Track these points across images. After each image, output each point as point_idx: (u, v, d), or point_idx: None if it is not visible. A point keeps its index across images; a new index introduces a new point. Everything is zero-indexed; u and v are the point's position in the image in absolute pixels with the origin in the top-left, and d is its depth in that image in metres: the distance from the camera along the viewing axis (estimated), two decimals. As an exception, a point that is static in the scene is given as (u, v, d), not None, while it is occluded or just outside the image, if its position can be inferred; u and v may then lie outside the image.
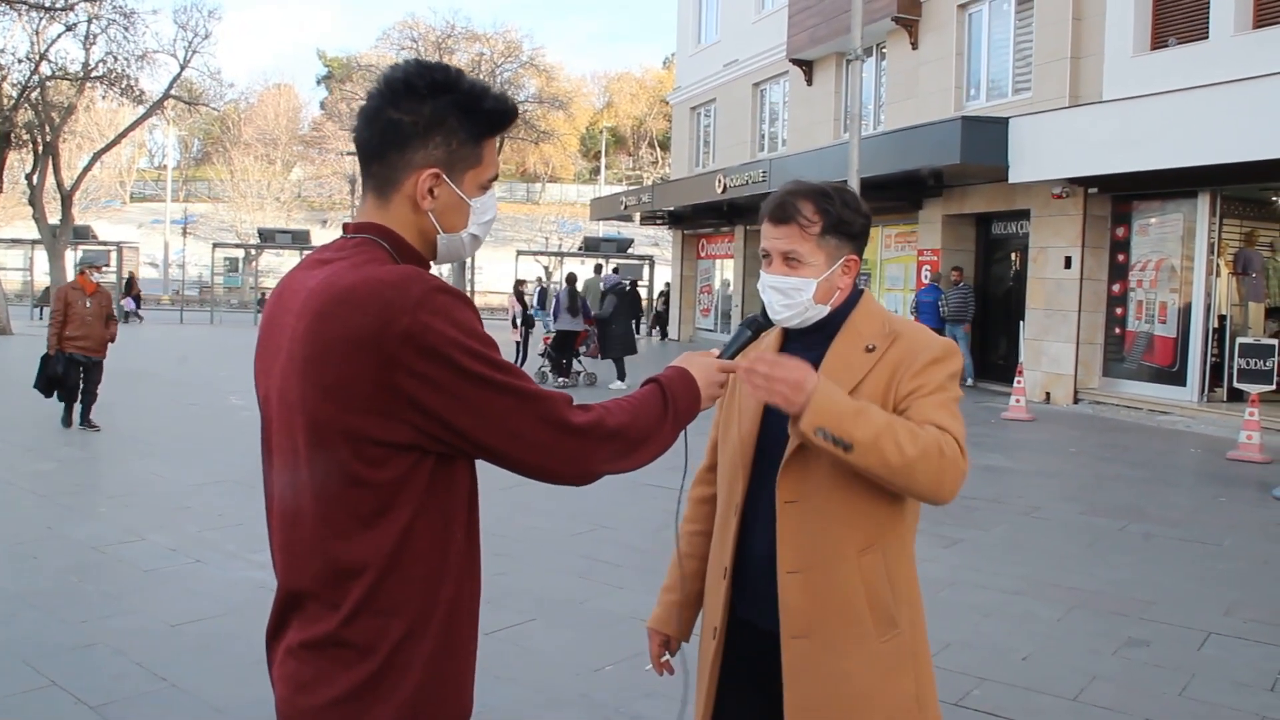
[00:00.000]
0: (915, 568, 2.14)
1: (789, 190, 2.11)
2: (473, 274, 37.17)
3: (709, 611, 2.24)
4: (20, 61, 25.39)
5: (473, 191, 1.68)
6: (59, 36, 25.98)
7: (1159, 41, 13.84)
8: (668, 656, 2.38)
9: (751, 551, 2.14)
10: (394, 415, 1.49)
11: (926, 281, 17.50)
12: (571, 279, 17.14)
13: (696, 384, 1.83)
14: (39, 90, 25.59)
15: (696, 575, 2.35)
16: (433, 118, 1.61)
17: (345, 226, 1.70)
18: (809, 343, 2.14)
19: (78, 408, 10.57)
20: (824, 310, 2.11)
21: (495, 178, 1.74)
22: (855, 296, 2.15)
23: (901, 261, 19.40)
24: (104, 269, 11.22)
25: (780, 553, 2.05)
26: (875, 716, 2.01)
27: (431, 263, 1.72)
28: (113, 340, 10.80)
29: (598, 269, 25.57)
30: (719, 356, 1.95)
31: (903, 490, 1.94)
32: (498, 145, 1.77)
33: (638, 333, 21.45)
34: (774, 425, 2.11)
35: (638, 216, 28.97)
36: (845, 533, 2.02)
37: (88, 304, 10.51)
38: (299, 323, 1.55)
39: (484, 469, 1.67)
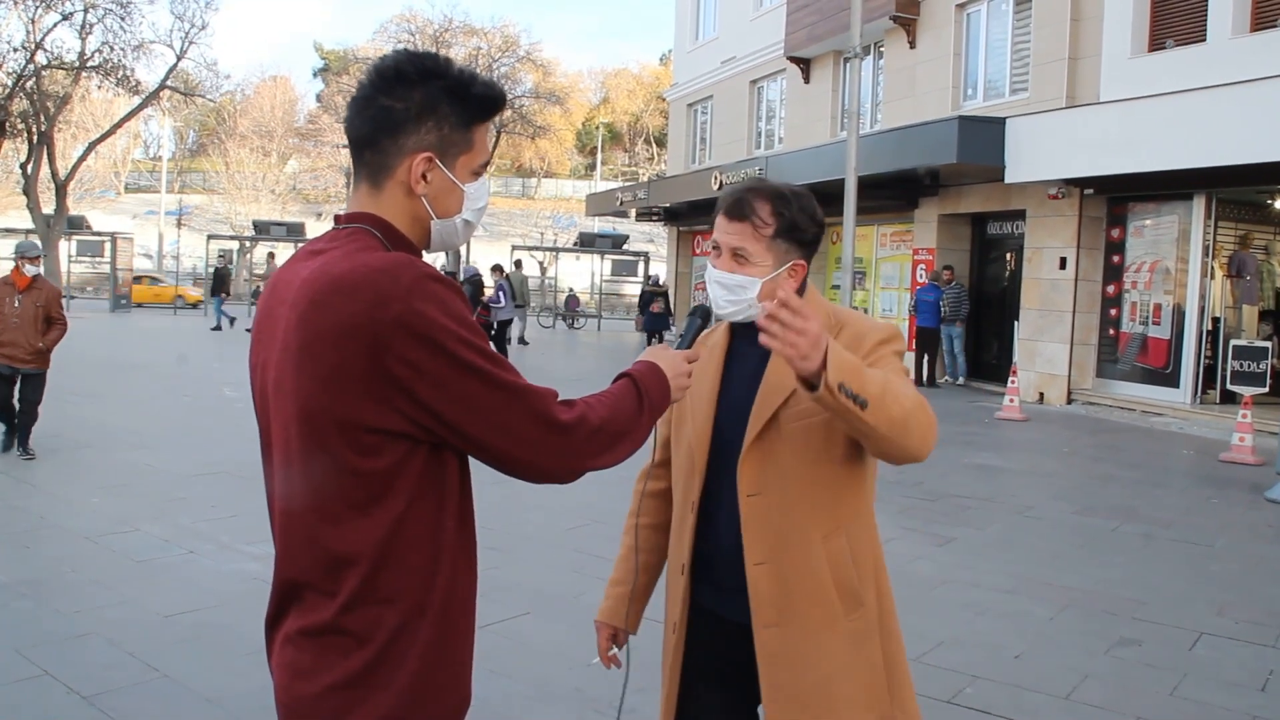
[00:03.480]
0: (879, 544, 2.18)
1: (748, 188, 2.13)
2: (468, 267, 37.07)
3: (669, 607, 2.27)
4: (16, 50, 25.38)
5: (465, 177, 1.70)
6: (55, 26, 26.01)
7: (1157, 43, 13.86)
8: (615, 650, 2.41)
9: (714, 544, 2.16)
10: (386, 402, 1.50)
11: (924, 281, 17.52)
12: (518, 267, 17.54)
13: (666, 377, 1.85)
14: (34, 80, 25.55)
15: (646, 568, 2.39)
16: (424, 103, 1.63)
17: (337, 217, 1.71)
18: (756, 337, 2.15)
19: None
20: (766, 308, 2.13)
21: (487, 164, 1.76)
22: (799, 291, 2.18)
23: (897, 260, 19.43)
24: (40, 259, 9.13)
25: (746, 545, 2.08)
26: (847, 688, 2.06)
27: (424, 251, 1.73)
28: (48, 348, 8.72)
29: (518, 264, 26.23)
30: (676, 348, 1.98)
31: (891, 448, 1.90)
32: (490, 134, 1.78)
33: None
34: (728, 422, 2.15)
35: (633, 213, 28.92)
36: (808, 521, 2.06)
37: (16, 303, 8.55)
38: (292, 313, 1.56)
39: (476, 461, 1.67)
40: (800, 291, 2.17)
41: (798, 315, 1.74)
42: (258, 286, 35.02)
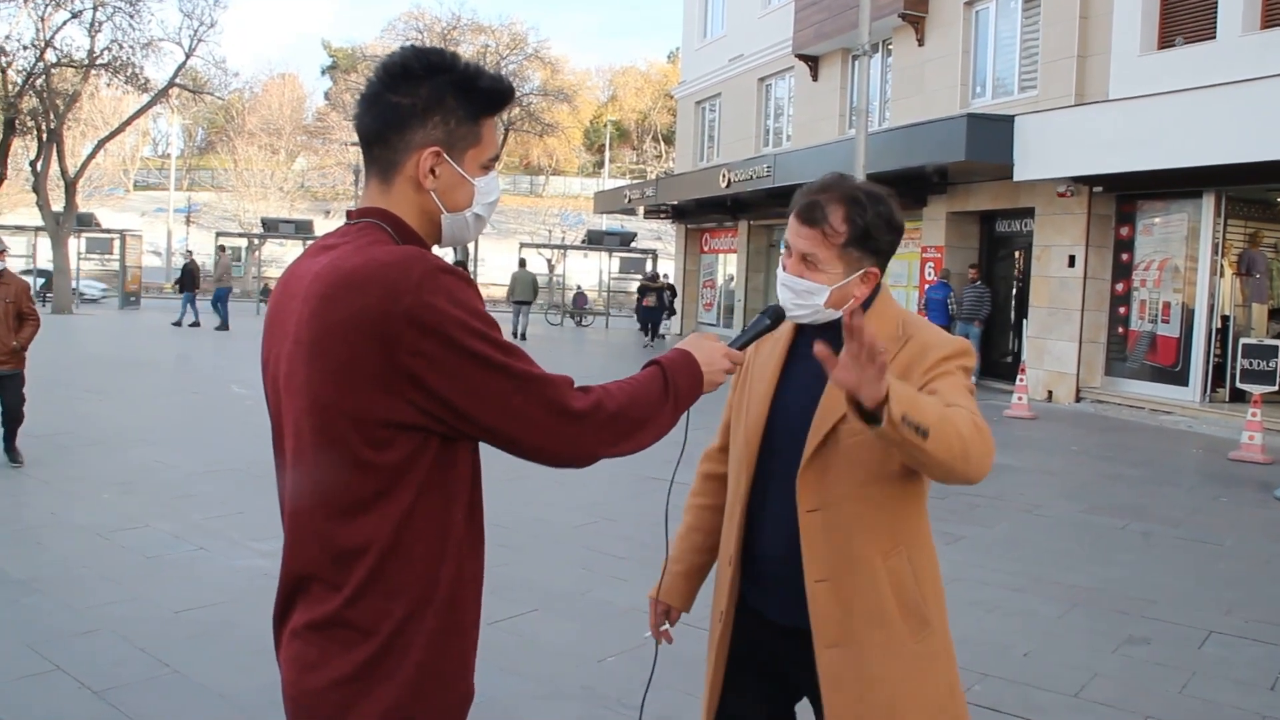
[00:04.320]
0: (938, 563, 2.14)
1: (825, 187, 2.07)
2: (476, 265, 37.11)
3: (717, 596, 2.26)
4: (26, 48, 25.43)
5: (474, 171, 1.70)
6: (64, 24, 26.01)
7: (1166, 41, 13.82)
8: (667, 626, 2.41)
9: (759, 546, 2.15)
10: (398, 395, 1.50)
11: (933, 279, 17.48)
12: (521, 266, 17.67)
13: (699, 367, 1.82)
14: (44, 77, 25.59)
15: (701, 548, 2.38)
16: (430, 98, 1.63)
17: (349, 213, 1.72)
18: (822, 336, 2.13)
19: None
20: (836, 314, 2.07)
21: (496, 158, 1.76)
22: (872, 295, 2.12)
23: (905, 258, 19.37)
24: (5, 254, 8.18)
25: (806, 562, 2.04)
26: (913, 715, 2.01)
27: (435, 247, 1.73)
28: (22, 347, 8.01)
29: (522, 262, 26.66)
30: (732, 344, 1.95)
31: (949, 474, 1.84)
32: (499, 128, 1.78)
33: None
34: (781, 422, 2.13)
35: (641, 210, 28.92)
36: (869, 538, 2.02)
37: None
38: (304, 307, 1.57)
39: (488, 457, 1.67)
40: (873, 296, 2.11)
41: (878, 350, 1.63)
42: (266, 285, 35.10)
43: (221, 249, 27.44)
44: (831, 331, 2.11)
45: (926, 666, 2.03)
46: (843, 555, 2.02)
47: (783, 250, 2.13)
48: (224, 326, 23.28)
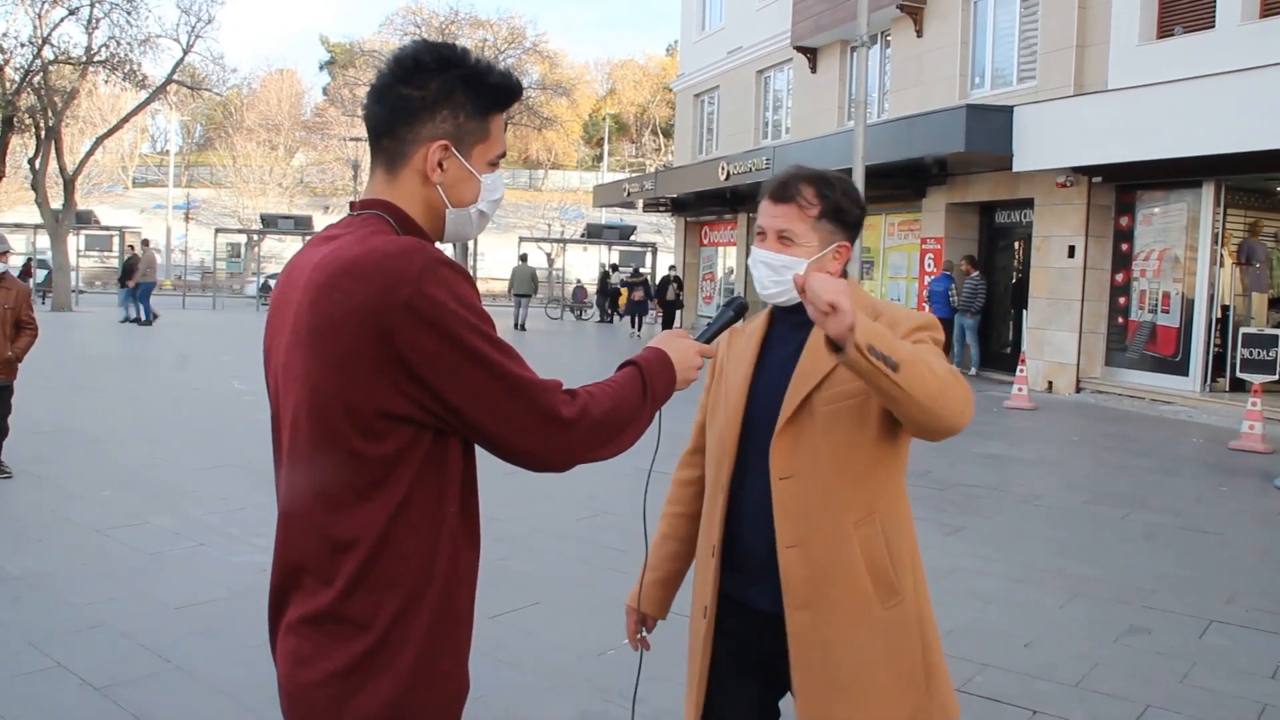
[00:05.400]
0: (915, 536, 2.16)
1: (792, 173, 2.16)
2: (475, 260, 37.09)
3: (698, 590, 2.26)
4: (23, 46, 25.40)
5: (481, 167, 1.71)
6: (61, 20, 25.97)
7: (1165, 30, 13.79)
8: (644, 634, 2.41)
9: (742, 533, 2.16)
10: (394, 386, 1.51)
11: (933, 271, 17.47)
12: (523, 260, 18.01)
13: (673, 366, 1.85)
14: (41, 75, 25.56)
15: (676, 556, 2.40)
16: (440, 91, 1.64)
17: (352, 204, 1.72)
18: (795, 323, 2.18)
19: None
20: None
21: (503, 155, 1.77)
22: (841, 276, 2.17)
23: (905, 250, 19.38)
24: (9, 255, 7.59)
25: (778, 528, 2.06)
26: (882, 683, 2.04)
27: (437, 243, 1.72)
28: (17, 358, 7.35)
29: (523, 257, 27.08)
30: (698, 338, 1.98)
31: (929, 417, 1.86)
32: (504, 125, 1.79)
33: None
34: (760, 406, 2.15)
35: (640, 204, 28.92)
36: (841, 505, 2.05)
37: None
38: (304, 297, 1.57)
39: (484, 452, 1.67)
40: (841, 277, 2.16)
41: (829, 289, 1.72)
42: (266, 281, 35.06)
43: (145, 243, 26.90)
44: (802, 314, 2.14)
45: (897, 634, 2.06)
46: (814, 521, 2.05)
47: (756, 236, 2.19)
48: (147, 321, 23.23)
